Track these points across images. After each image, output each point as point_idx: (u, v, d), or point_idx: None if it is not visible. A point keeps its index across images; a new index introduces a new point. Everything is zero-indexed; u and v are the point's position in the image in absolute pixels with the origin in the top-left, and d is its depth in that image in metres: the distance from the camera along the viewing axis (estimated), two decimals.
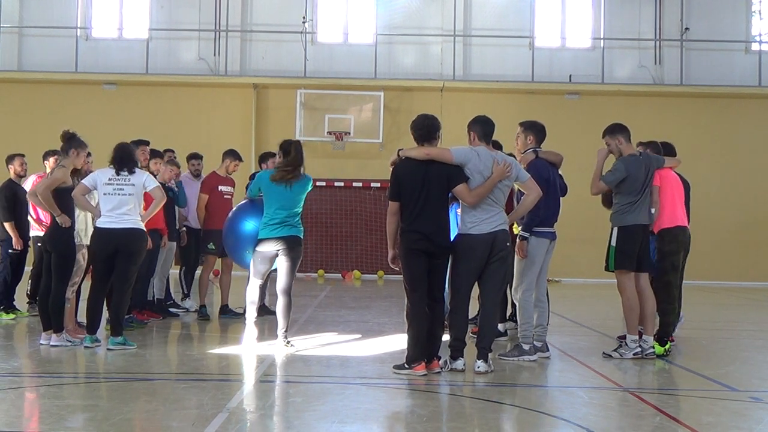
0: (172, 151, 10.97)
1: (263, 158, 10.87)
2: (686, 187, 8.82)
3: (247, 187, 8.96)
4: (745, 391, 6.73)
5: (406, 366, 6.94)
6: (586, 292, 16.99)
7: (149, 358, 7.75)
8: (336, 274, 19.94)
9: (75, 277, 8.29)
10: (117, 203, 7.90)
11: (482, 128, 7.29)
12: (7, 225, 10.19)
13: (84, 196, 7.98)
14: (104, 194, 7.93)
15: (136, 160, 8.26)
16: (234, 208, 9.12)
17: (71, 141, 8.25)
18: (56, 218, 7.98)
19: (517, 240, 7.76)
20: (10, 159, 10.61)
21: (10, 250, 10.26)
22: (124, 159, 8.02)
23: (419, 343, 6.91)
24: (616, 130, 8.10)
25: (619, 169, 7.95)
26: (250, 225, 8.46)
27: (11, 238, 10.24)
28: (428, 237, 6.90)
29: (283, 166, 8.14)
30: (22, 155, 10.62)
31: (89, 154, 8.60)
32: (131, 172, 8.00)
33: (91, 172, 8.33)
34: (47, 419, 5.36)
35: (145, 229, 8.05)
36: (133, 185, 7.96)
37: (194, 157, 11.43)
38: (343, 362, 7.65)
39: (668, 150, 8.70)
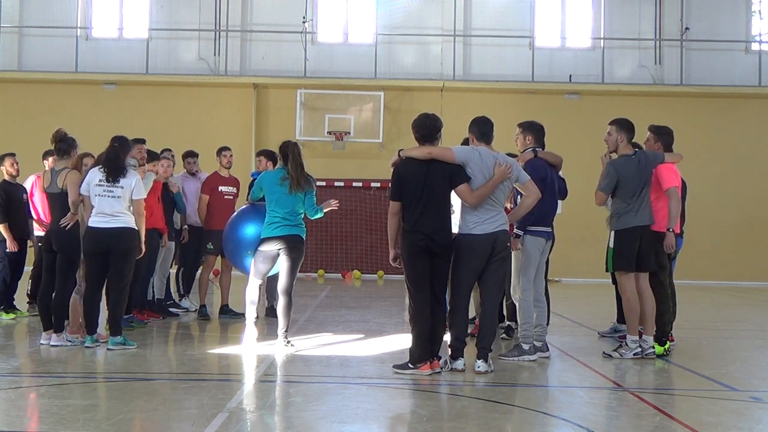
0: (169, 150, 10.96)
1: (258, 154, 10.89)
2: (683, 187, 8.78)
3: (249, 188, 8.98)
4: (745, 391, 6.73)
5: (410, 366, 6.94)
6: (586, 292, 16.99)
7: (149, 358, 7.75)
8: (336, 274, 19.95)
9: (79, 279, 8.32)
10: (108, 204, 7.91)
11: (479, 128, 7.30)
12: (0, 227, 10.13)
13: (88, 211, 8.03)
14: (96, 195, 7.94)
15: (125, 167, 8.09)
16: (235, 213, 9.14)
17: (71, 141, 8.25)
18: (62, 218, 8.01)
19: (512, 237, 7.76)
20: (0, 159, 10.43)
21: (7, 250, 10.22)
22: (112, 168, 7.96)
23: (423, 343, 6.92)
24: (625, 126, 8.05)
25: (610, 173, 7.95)
26: (250, 230, 8.47)
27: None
28: (430, 236, 6.90)
29: (291, 173, 8.13)
30: (13, 155, 10.44)
31: (87, 155, 8.62)
32: (122, 176, 7.97)
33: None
34: (47, 419, 5.36)
35: (136, 227, 8.05)
36: (122, 188, 7.94)
37: (189, 155, 11.44)
38: (343, 362, 7.65)
39: (667, 140, 8.58)
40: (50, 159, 9.83)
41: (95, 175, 8.01)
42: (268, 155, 10.34)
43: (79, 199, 8.02)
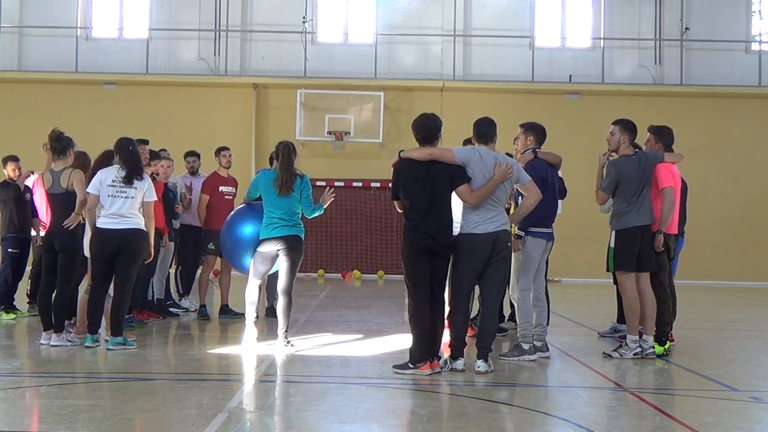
0: (165, 150, 10.94)
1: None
2: (683, 187, 8.79)
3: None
4: (745, 391, 6.73)
5: (411, 366, 6.95)
6: (586, 292, 16.99)
7: (149, 358, 7.75)
8: (336, 274, 19.95)
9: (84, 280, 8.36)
10: (119, 205, 7.90)
11: (477, 129, 7.34)
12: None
13: (94, 210, 8.02)
14: (107, 195, 7.93)
15: (143, 167, 8.20)
16: (232, 213, 9.12)
17: (67, 141, 8.23)
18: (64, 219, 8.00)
19: (513, 238, 7.76)
20: (5, 161, 10.59)
21: (9, 249, 10.26)
22: (134, 169, 7.98)
23: (423, 343, 6.92)
24: (628, 127, 8.06)
25: (611, 173, 7.98)
26: (248, 229, 8.46)
27: (11, 236, 10.25)
28: (433, 236, 6.92)
29: (279, 174, 8.15)
30: (17, 160, 10.52)
31: (83, 153, 8.66)
32: (138, 179, 8.00)
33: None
34: (47, 419, 5.36)
35: (145, 229, 8.05)
36: (136, 189, 7.96)
37: (190, 154, 11.50)
38: (343, 362, 7.65)
39: (667, 140, 8.59)
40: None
41: (108, 174, 7.99)
42: None
43: (86, 198, 8.02)
